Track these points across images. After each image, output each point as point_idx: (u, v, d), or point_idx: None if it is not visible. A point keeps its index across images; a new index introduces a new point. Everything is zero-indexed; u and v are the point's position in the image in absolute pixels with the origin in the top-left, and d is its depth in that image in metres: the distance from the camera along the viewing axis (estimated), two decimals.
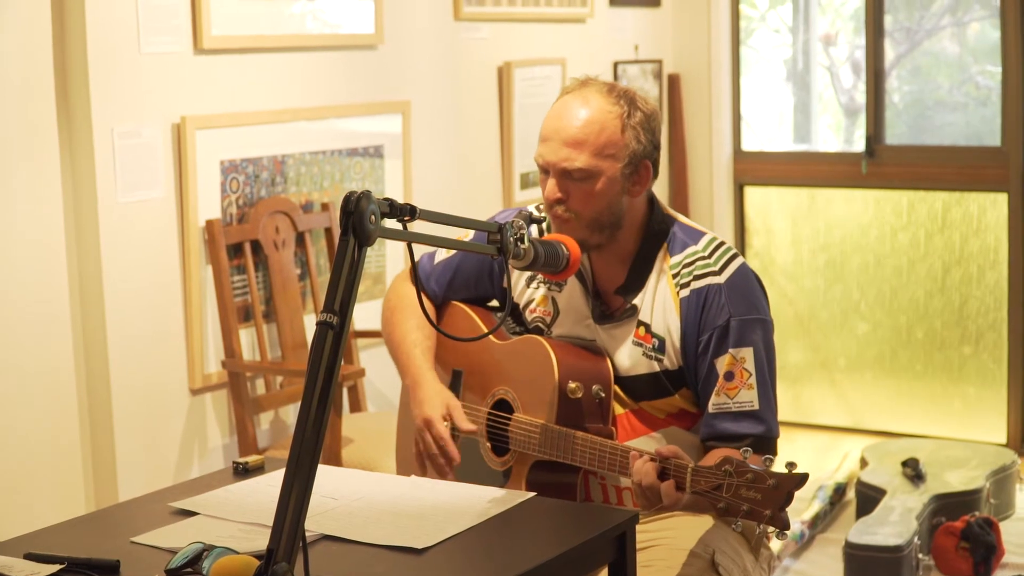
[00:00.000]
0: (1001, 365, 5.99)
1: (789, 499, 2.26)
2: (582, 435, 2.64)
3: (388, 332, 3.02)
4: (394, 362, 2.98)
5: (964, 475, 4.93)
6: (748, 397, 2.64)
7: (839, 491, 5.20)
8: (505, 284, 2.91)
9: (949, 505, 4.73)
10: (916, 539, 4.43)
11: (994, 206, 5.97)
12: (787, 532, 2.30)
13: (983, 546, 4.41)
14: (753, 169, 6.58)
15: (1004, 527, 4.72)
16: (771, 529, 2.30)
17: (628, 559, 2.41)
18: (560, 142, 2.67)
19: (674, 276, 2.72)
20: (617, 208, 2.70)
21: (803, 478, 2.26)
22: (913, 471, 4.91)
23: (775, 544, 4.60)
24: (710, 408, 2.66)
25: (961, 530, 4.46)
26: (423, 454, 2.79)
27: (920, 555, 4.47)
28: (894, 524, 4.49)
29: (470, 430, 2.75)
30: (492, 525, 2.38)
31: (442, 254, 3.02)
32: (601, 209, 2.68)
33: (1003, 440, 5.93)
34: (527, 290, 2.90)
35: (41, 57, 3.82)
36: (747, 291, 2.70)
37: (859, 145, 6.44)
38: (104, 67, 3.90)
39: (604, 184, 2.67)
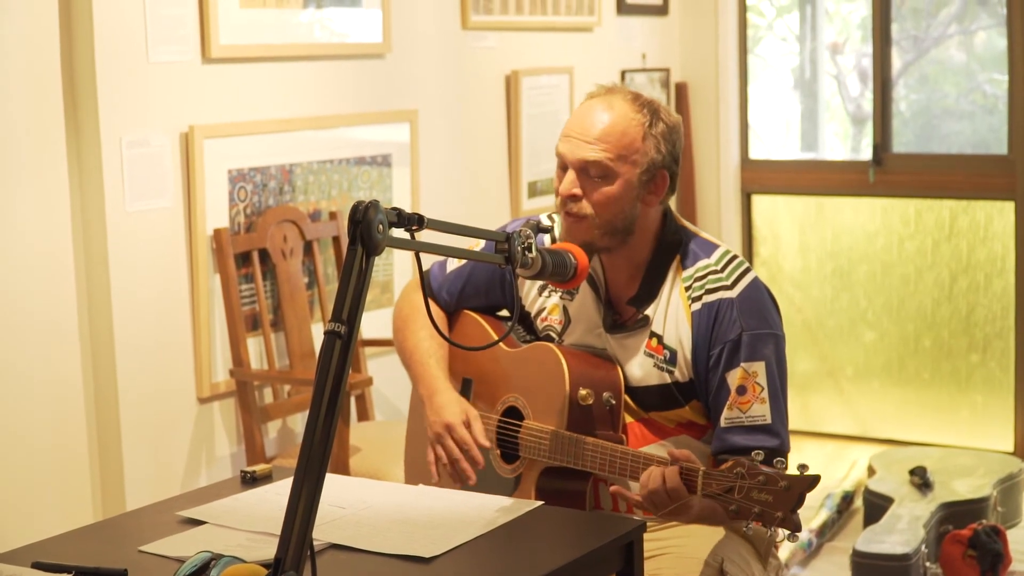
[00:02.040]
0: (1008, 373, 5.99)
1: (801, 501, 2.26)
2: (592, 440, 2.65)
3: (400, 341, 3.01)
4: (407, 371, 2.98)
5: (971, 483, 4.93)
6: (760, 411, 2.64)
7: (847, 499, 5.20)
8: (516, 293, 2.92)
9: (956, 513, 4.73)
10: (923, 547, 4.43)
11: (1001, 214, 5.97)
12: (799, 534, 2.31)
13: (990, 554, 4.41)
14: (760, 177, 6.58)
15: (1011, 535, 4.72)
16: (783, 532, 2.30)
17: (636, 568, 2.41)
18: (582, 140, 2.69)
19: (686, 289, 2.72)
20: (630, 214, 2.71)
21: (815, 480, 2.26)
22: (920, 479, 4.90)
23: (783, 553, 4.60)
24: (722, 422, 2.66)
25: (968, 538, 4.46)
26: (440, 460, 2.79)
27: (927, 563, 4.46)
28: (901, 532, 4.49)
29: (485, 446, 2.75)
30: (500, 534, 2.39)
31: (454, 263, 3.02)
32: (614, 212, 2.69)
33: (1010, 448, 5.92)
34: (539, 299, 2.91)
35: (49, 66, 3.83)
36: (759, 305, 2.70)
37: (866, 153, 6.44)
38: (112, 76, 3.91)
39: (620, 187, 2.68)
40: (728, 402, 2.65)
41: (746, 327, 2.66)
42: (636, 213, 2.72)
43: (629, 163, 2.67)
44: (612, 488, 2.49)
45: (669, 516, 2.48)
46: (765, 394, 2.64)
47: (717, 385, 2.67)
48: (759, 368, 2.65)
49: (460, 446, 2.75)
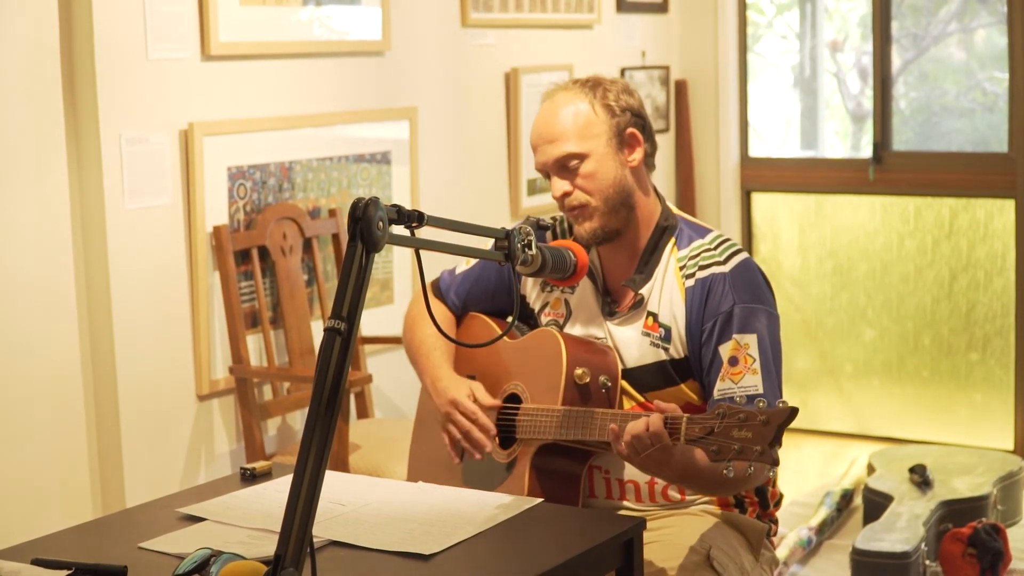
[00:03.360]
0: (1008, 371, 5.99)
1: (779, 433, 2.28)
2: (597, 411, 2.67)
3: (408, 341, 3.09)
4: (414, 368, 3.05)
5: (971, 481, 4.93)
6: (752, 382, 2.66)
7: (846, 497, 5.20)
8: (516, 289, 2.95)
9: (956, 511, 4.73)
10: (923, 545, 4.43)
11: (1001, 212, 5.96)
12: (776, 467, 2.31)
13: (990, 552, 4.40)
14: (760, 175, 6.58)
15: (1011, 533, 4.71)
16: (767, 468, 2.29)
17: (635, 565, 2.41)
18: (546, 143, 2.79)
19: (681, 268, 2.78)
20: (623, 184, 2.78)
21: (793, 411, 2.28)
22: (920, 477, 4.90)
23: (782, 551, 4.60)
24: (715, 395, 2.68)
25: (968, 536, 4.45)
26: (455, 437, 2.86)
27: (927, 561, 4.46)
28: (901, 530, 4.49)
29: (494, 404, 2.82)
30: (499, 531, 2.39)
31: (463, 266, 3.09)
32: (604, 185, 2.77)
33: (1010, 446, 5.92)
34: (542, 294, 2.96)
35: (49, 64, 3.83)
36: (751, 281, 2.74)
37: (866, 151, 6.44)
38: (112, 74, 3.91)
39: (596, 161, 2.77)
40: (721, 374, 2.68)
41: (738, 300, 2.70)
42: (628, 182, 2.79)
43: (594, 138, 2.77)
44: (611, 426, 2.51)
45: (650, 466, 2.48)
46: (757, 365, 2.67)
47: (711, 358, 2.70)
48: (751, 340, 2.68)
49: (468, 417, 2.82)
